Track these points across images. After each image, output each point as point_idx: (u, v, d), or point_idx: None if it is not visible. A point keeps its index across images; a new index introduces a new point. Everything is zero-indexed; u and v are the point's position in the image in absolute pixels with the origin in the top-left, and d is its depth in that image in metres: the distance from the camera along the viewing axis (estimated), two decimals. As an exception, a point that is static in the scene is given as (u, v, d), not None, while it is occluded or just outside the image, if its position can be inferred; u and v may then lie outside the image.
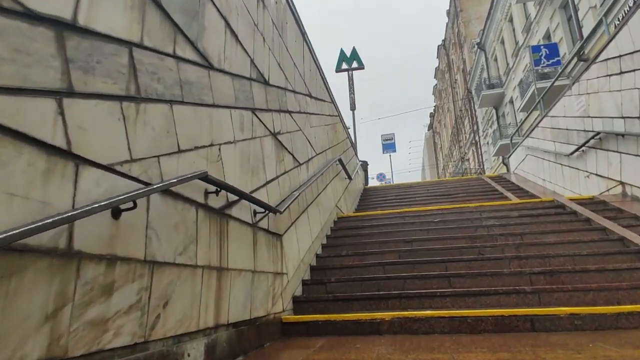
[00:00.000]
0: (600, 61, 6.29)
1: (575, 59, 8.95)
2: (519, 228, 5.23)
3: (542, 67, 13.90)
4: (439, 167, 48.71)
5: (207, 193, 2.39)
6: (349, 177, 8.23)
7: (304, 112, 5.18)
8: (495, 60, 26.48)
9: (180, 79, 2.24)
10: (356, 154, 11.41)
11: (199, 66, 2.49)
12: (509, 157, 11.88)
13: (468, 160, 35.73)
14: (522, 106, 18.80)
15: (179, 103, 2.20)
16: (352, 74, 13.56)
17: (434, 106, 49.02)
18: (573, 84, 7.32)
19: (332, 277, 4.42)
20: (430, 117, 52.22)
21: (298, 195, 4.14)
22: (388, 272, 4.45)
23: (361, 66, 13.76)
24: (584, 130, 6.97)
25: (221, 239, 2.51)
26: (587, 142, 6.74)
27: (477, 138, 31.56)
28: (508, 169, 24.00)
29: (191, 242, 2.17)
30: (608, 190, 6.34)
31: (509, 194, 8.88)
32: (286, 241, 3.86)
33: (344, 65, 13.58)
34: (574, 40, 15.36)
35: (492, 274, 3.98)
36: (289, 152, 4.28)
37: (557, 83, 10.52)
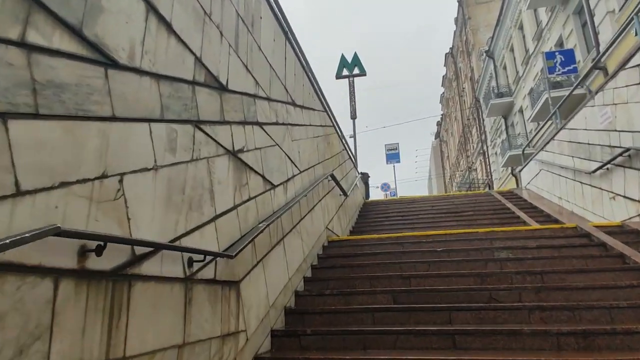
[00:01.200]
0: (630, 67, 5.42)
1: (593, 67, 8.09)
2: (538, 264, 4.34)
3: (556, 74, 12.99)
4: (445, 177, 47.66)
5: (84, 252, 1.57)
6: (345, 194, 7.41)
7: (283, 124, 4.37)
8: (505, 68, 25.56)
9: (33, 80, 1.44)
10: (356, 166, 10.58)
11: (85, 62, 1.69)
12: (521, 170, 10.97)
13: (475, 170, 34.68)
14: (532, 116, 17.86)
15: (25, 117, 1.40)
16: (353, 81, 12.76)
17: (441, 114, 48.11)
18: (596, 93, 6.44)
19: (309, 327, 3.57)
20: (437, 125, 51.29)
21: (266, 227, 3.31)
22: (378, 322, 3.59)
23: (363, 72, 12.97)
24: (610, 146, 6.08)
25: (114, 316, 1.68)
26: (614, 159, 5.85)
27: (485, 148, 30.56)
28: (518, 183, 23.03)
29: (37, 338, 1.35)
30: (639, 215, 5.44)
31: (521, 214, 7.98)
32: (247, 287, 3.03)
33: (345, 72, 12.81)
34: (588, 48, 14.44)
35: (509, 333, 3.10)
36: (257, 173, 3.46)
37: (574, 92, 9.65)
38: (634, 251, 4.27)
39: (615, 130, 5.90)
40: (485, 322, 3.39)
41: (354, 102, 12.43)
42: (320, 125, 6.28)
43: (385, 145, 24.35)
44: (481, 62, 29.27)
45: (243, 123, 3.26)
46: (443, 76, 43.68)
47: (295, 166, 4.69)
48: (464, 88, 36.60)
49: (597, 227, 5.26)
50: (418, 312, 3.60)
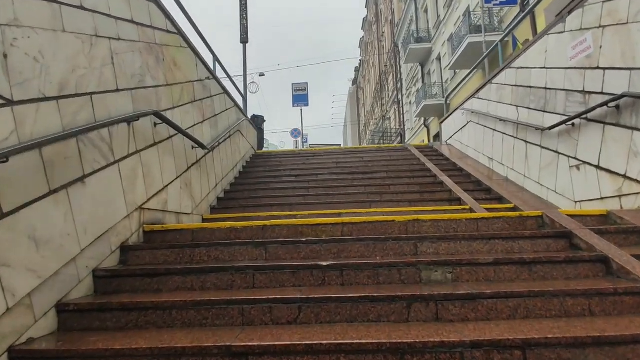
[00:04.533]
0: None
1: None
2: (506, 309, 2.17)
3: (493, 4, 11.01)
4: (360, 125, 46.49)
5: None
6: (202, 147, 4.68)
7: None
8: (426, 11, 23.52)
9: None
10: (239, 106, 7.77)
11: None
12: (442, 122, 9.03)
13: (389, 119, 33.55)
14: (452, 63, 16.16)
15: None
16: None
17: (360, 60, 45.87)
18: (570, 13, 4.32)
19: None
20: (355, 71, 49.19)
21: None
22: None
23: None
24: (583, 92, 4.08)
25: None
26: (590, 111, 3.87)
27: (400, 97, 29.15)
28: (430, 135, 21.77)
29: None
30: (620, 196, 3.60)
31: (445, 179, 5.97)
32: None
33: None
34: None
35: None
36: None
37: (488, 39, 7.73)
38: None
39: (598, 68, 3.86)
40: None
41: (246, 19, 9.25)
42: (134, 22, 3.37)
43: (292, 84, 21.21)
44: (403, 4, 26.95)
45: None
46: (364, 19, 40.94)
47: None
48: (383, 32, 34.36)
49: (572, 216, 3.25)
50: None
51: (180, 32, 4.43)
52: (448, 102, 9.93)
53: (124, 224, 3.03)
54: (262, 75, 24.16)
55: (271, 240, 3.02)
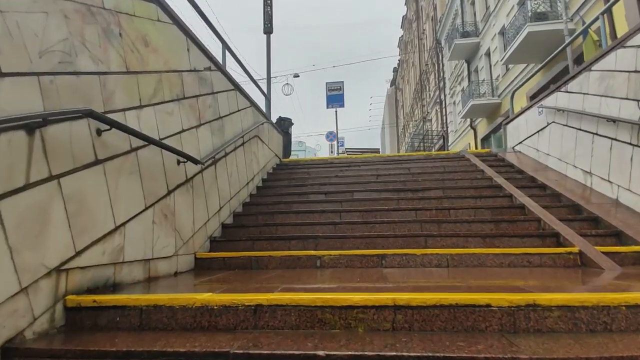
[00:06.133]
0: None
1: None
2: None
3: None
4: (398, 127, 44.46)
5: None
6: (194, 161, 3.36)
7: None
8: (472, 4, 21.45)
9: None
10: (260, 109, 6.45)
11: None
12: (507, 123, 7.30)
13: (430, 120, 31.44)
14: (507, 57, 14.15)
15: None
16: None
17: (398, 60, 43.88)
18: None
19: None
20: (393, 72, 47.21)
21: None
22: None
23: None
24: None
25: None
26: None
27: (442, 96, 27.05)
28: (477, 138, 19.63)
29: None
30: None
31: (527, 201, 4.35)
32: None
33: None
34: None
35: None
36: None
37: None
38: None
39: None
40: None
41: (270, 7, 7.90)
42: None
43: (327, 83, 19.58)
44: (446, -2, 24.95)
45: None
46: (403, 17, 39.01)
47: None
48: (424, 30, 32.36)
49: None
50: None
51: (159, 0, 3.13)
52: (514, 98, 8.11)
53: (12, 306, 1.72)
54: (296, 76, 22.97)
55: (265, 341, 1.60)
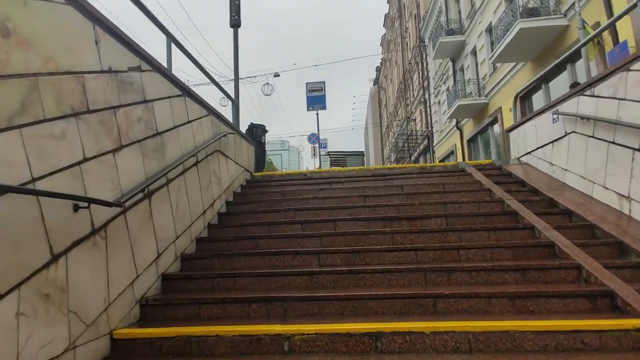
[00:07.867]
0: None
1: None
2: None
3: None
4: (382, 127, 43.70)
5: None
6: (104, 203, 2.28)
7: None
8: (457, 1, 20.68)
9: None
10: (232, 113, 5.34)
11: None
12: (511, 130, 6.37)
13: (414, 120, 30.66)
14: (497, 55, 13.30)
15: None
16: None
17: (381, 59, 43.05)
18: None
19: None
20: (376, 71, 46.40)
21: None
22: None
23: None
24: None
25: None
26: None
27: (426, 96, 26.26)
28: (464, 139, 18.86)
29: None
30: None
31: (554, 234, 3.39)
32: None
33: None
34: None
35: None
36: None
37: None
38: None
39: None
40: None
41: (237, -2, 6.79)
42: None
43: (307, 84, 18.34)
44: (429, -6, 24.10)
45: None
46: (385, 15, 38.18)
47: None
48: (407, 28, 31.56)
49: None
50: None
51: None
52: (519, 99, 7.20)
53: None
54: (277, 75, 21.81)
55: None
